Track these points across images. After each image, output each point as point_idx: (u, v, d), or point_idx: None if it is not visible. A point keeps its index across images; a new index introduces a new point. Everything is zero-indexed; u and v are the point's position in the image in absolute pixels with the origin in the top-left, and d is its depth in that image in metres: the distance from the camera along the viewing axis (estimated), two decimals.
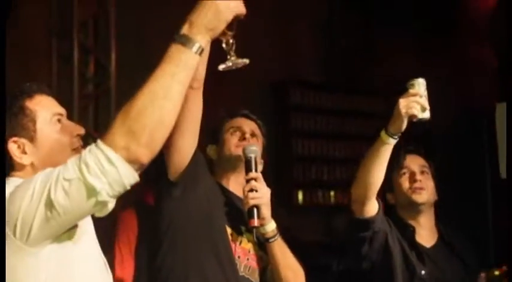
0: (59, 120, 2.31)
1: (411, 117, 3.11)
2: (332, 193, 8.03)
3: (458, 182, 4.33)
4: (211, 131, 3.10)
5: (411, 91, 3.13)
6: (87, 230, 2.28)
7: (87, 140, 6.11)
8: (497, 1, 7.50)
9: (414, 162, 3.60)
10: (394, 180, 3.58)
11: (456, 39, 8.48)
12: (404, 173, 3.57)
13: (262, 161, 3.27)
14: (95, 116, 6.31)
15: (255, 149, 3.09)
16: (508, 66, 4.10)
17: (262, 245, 3.09)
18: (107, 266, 2.39)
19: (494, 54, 6.88)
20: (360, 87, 8.22)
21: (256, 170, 3.07)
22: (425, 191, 3.55)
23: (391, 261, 3.42)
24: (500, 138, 4.62)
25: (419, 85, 3.15)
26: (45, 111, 2.29)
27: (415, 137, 5.87)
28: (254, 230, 3.00)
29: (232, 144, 3.17)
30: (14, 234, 2.05)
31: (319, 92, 8.04)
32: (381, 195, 3.47)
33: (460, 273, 3.56)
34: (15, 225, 2.04)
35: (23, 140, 2.24)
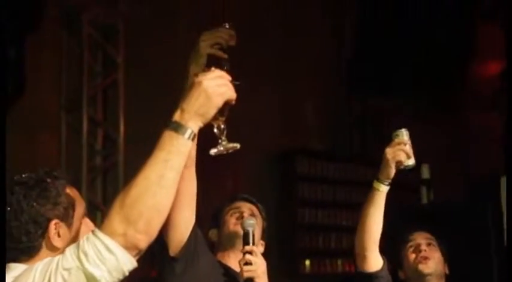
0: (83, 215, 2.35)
1: (398, 164, 3.30)
2: (339, 262, 8.01)
3: (464, 256, 4.34)
4: (212, 216, 3.18)
5: (396, 140, 3.33)
6: None
7: (95, 212, 6.18)
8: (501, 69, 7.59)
9: (420, 236, 3.73)
10: (402, 255, 3.69)
11: (461, 109, 8.57)
12: (411, 246, 3.69)
13: (263, 243, 3.34)
14: (103, 188, 6.34)
15: (253, 222, 3.15)
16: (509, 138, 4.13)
17: None
18: None
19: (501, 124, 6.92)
20: (366, 157, 8.26)
21: (253, 244, 3.11)
22: (431, 261, 3.62)
23: None
24: (506, 211, 4.64)
25: (403, 135, 3.34)
26: (79, 202, 2.33)
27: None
28: None
29: (231, 223, 3.26)
30: None
31: (326, 162, 8.09)
32: (394, 273, 3.55)
33: None
34: None
35: (62, 224, 2.26)
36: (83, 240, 2.04)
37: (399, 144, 3.31)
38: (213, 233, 3.27)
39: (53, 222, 2.25)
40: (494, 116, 7.93)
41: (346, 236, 8.08)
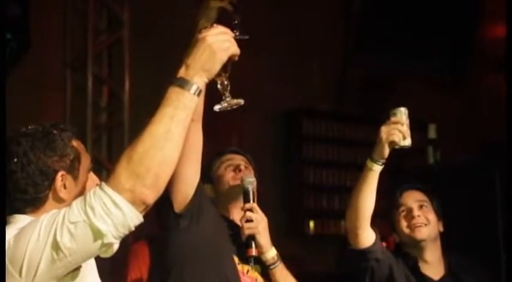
0: (91, 168, 2.36)
1: (391, 144, 3.22)
2: (343, 223, 8.01)
3: (469, 217, 4.33)
4: (203, 171, 3.11)
5: (393, 119, 3.26)
6: (89, 269, 2.31)
7: (100, 170, 6.20)
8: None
9: (411, 198, 3.64)
10: (394, 220, 3.63)
11: (470, 70, 8.51)
12: (402, 211, 3.61)
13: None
14: (109, 146, 6.35)
15: (253, 180, 3.18)
16: None
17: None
18: None
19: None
20: (373, 117, 8.24)
21: (254, 201, 3.13)
22: (426, 227, 3.57)
23: None
24: None
25: (401, 114, 3.27)
26: (85, 156, 2.35)
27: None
28: (252, 259, 3.07)
29: (229, 177, 3.25)
30: (20, 274, 2.07)
31: (331, 122, 8.07)
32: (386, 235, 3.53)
33: None
34: (22, 266, 2.06)
35: (68, 176, 2.27)
36: (89, 195, 2.05)
37: (395, 123, 3.23)
38: (207, 188, 3.24)
39: (60, 173, 2.26)
40: (502, 78, 7.89)
41: None
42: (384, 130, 3.23)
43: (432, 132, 7.01)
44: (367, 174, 3.26)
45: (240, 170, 3.26)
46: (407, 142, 3.24)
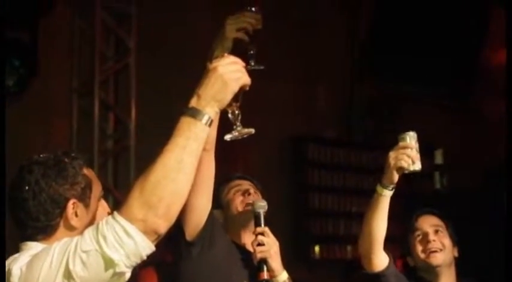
0: (102, 196, 2.37)
1: (400, 170, 3.20)
2: (349, 248, 8.02)
3: (475, 241, 4.34)
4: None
5: (401, 144, 3.23)
6: None
7: (107, 196, 6.21)
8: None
9: (426, 223, 3.61)
10: (410, 244, 3.60)
11: (475, 96, 8.52)
12: (418, 235, 3.58)
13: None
14: (114, 172, 6.36)
15: (264, 204, 3.20)
16: None
17: None
18: None
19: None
20: (378, 143, 8.26)
21: (265, 225, 3.16)
22: (441, 252, 3.54)
23: None
24: None
25: (410, 138, 3.23)
26: (96, 184, 2.35)
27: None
28: None
29: (238, 202, 3.27)
30: None
31: (336, 148, 8.10)
32: (399, 257, 3.52)
33: None
34: None
35: (80, 204, 2.28)
36: (101, 223, 2.05)
37: (404, 148, 3.21)
38: (217, 213, 3.24)
39: (71, 201, 2.26)
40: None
41: (356, 222, 8.09)
42: (392, 156, 3.21)
43: (439, 158, 7.03)
44: (378, 199, 3.26)
45: (249, 194, 3.28)
46: (417, 166, 3.22)
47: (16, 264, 2.14)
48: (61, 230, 2.27)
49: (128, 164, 6.17)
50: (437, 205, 4.16)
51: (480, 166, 7.73)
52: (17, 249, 2.27)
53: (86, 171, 2.33)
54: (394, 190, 3.27)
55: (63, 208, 2.26)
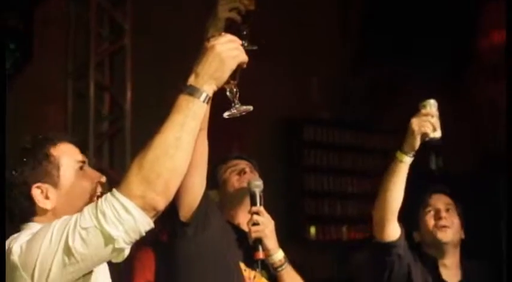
0: (81, 168, 2.37)
1: (423, 136, 3.23)
2: (344, 228, 8.05)
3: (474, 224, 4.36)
4: (208, 178, 3.10)
5: (423, 111, 3.26)
6: (102, 273, 2.34)
7: None
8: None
9: (439, 201, 3.64)
10: (419, 218, 3.62)
11: (471, 79, 8.51)
12: (429, 211, 3.60)
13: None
14: (110, 153, 6.37)
15: (259, 183, 3.20)
16: None
17: (275, 279, 3.16)
18: None
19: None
20: (373, 125, 8.28)
21: (260, 204, 3.15)
22: (450, 229, 3.57)
23: None
24: None
25: (431, 106, 3.28)
26: (68, 158, 2.35)
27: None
28: (259, 262, 3.09)
29: (234, 180, 3.28)
30: (32, 279, 2.10)
31: (332, 129, 8.11)
32: (409, 234, 3.52)
33: None
34: (34, 270, 2.10)
35: (46, 186, 2.30)
36: (101, 201, 2.08)
37: (426, 115, 3.24)
38: (213, 194, 3.25)
39: (34, 186, 2.29)
40: (501, 87, 7.91)
41: (352, 203, 8.13)
42: (415, 122, 3.23)
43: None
44: (397, 166, 3.26)
45: (245, 173, 3.28)
46: (438, 134, 3.26)
47: (16, 243, 2.17)
48: (42, 215, 2.30)
49: (123, 145, 6.18)
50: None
51: (476, 148, 7.74)
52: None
53: (52, 149, 2.34)
54: (414, 157, 3.27)
55: (28, 194, 2.29)
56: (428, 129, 3.23)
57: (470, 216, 4.07)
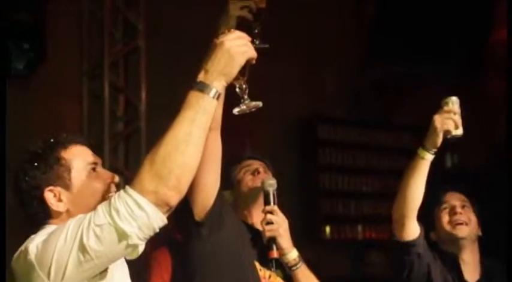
0: (93, 169, 2.40)
1: (446, 133, 3.22)
2: (359, 227, 8.04)
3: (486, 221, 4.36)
4: (222, 178, 3.10)
5: (446, 108, 3.25)
6: (118, 271, 2.36)
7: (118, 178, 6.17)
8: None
9: (454, 198, 3.64)
10: (435, 217, 3.61)
11: (484, 74, 8.49)
12: (445, 208, 3.60)
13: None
14: (126, 154, 6.39)
15: (273, 182, 3.21)
16: None
17: (291, 278, 3.16)
18: None
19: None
20: (388, 123, 8.26)
21: (274, 203, 3.16)
22: (467, 226, 3.56)
23: None
24: None
25: (453, 103, 3.27)
26: (79, 160, 2.39)
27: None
28: (273, 262, 3.09)
29: (248, 180, 3.29)
30: (48, 277, 2.13)
31: (347, 127, 8.09)
32: (425, 234, 3.50)
33: None
34: (50, 269, 2.13)
35: (58, 189, 2.34)
36: (114, 198, 2.10)
37: (448, 112, 3.23)
38: (227, 194, 3.26)
39: (46, 190, 2.33)
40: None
41: (366, 202, 8.11)
42: (438, 119, 3.22)
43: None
44: (419, 163, 3.25)
45: (258, 173, 3.29)
46: (460, 131, 3.25)
47: (32, 243, 2.20)
48: (58, 216, 2.34)
49: (138, 145, 6.20)
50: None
51: (490, 145, 7.71)
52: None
53: (62, 152, 2.38)
54: (435, 155, 3.26)
55: (41, 198, 2.33)
56: (450, 127, 3.22)
57: (487, 214, 4.06)
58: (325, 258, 7.06)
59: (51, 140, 2.41)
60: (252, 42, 2.28)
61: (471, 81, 8.38)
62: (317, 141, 7.82)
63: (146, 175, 2.09)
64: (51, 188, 2.33)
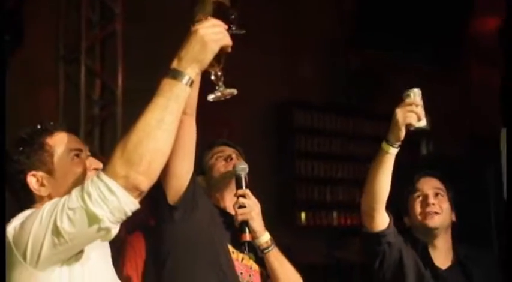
0: (77, 155, 2.45)
1: (408, 126, 3.19)
2: (335, 214, 8.08)
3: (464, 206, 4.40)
4: (195, 163, 3.10)
5: (407, 101, 3.21)
6: (97, 251, 2.41)
7: None
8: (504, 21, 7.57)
9: (428, 185, 3.62)
10: (408, 204, 3.62)
11: (463, 62, 8.54)
12: (418, 196, 3.59)
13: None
14: (101, 138, 6.38)
15: (245, 166, 3.23)
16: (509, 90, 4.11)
17: (263, 261, 3.19)
18: None
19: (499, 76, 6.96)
20: (363, 110, 8.29)
21: (246, 187, 3.19)
22: (439, 215, 3.55)
23: (405, 280, 3.46)
24: (505, 163, 4.64)
25: (415, 95, 3.23)
26: (62, 146, 2.45)
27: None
28: (246, 245, 3.12)
29: (221, 165, 3.31)
30: (25, 258, 2.20)
31: (323, 114, 8.12)
32: (399, 219, 3.53)
33: None
34: (26, 250, 2.19)
35: (41, 173, 2.40)
36: (87, 183, 2.15)
37: (410, 105, 3.19)
38: (199, 179, 3.26)
39: (29, 174, 2.39)
40: (494, 71, 7.94)
41: (342, 188, 8.15)
42: (400, 112, 3.19)
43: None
44: (384, 157, 3.24)
45: (231, 159, 3.31)
46: (423, 123, 3.20)
47: (11, 225, 2.27)
48: (41, 200, 2.39)
49: (114, 130, 6.19)
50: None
51: (466, 132, 7.78)
52: None
53: (48, 139, 2.44)
54: (399, 148, 3.24)
55: (24, 182, 2.39)
56: (413, 120, 3.18)
57: (463, 199, 4.09)
58: (300, 244, 7.08)
59: (38, 127, 2.47)
60: (229, 28, 2.28)
61: (450, 70, 8.44)
62: (293, 128, 7.85)
63: (118, 161, 2.12)
64: (33, 172, 2.39)
